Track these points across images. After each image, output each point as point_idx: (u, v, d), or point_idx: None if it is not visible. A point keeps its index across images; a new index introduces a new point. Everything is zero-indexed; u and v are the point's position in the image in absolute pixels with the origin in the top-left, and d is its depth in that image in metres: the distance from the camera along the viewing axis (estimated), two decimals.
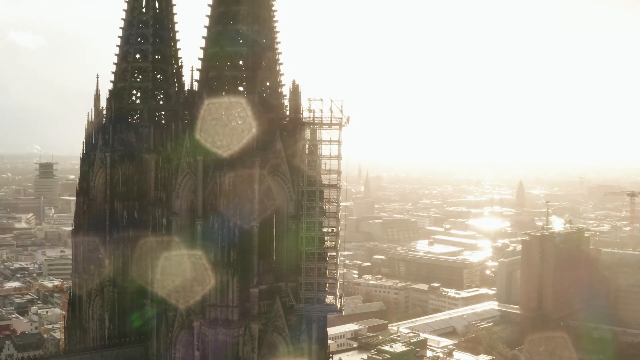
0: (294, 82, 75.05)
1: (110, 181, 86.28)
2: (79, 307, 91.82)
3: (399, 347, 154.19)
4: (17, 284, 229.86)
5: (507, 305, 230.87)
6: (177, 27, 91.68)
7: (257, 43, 74.48)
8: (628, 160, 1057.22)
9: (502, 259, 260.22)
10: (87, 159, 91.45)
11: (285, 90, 76.23)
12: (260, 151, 70.85)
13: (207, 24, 75.22)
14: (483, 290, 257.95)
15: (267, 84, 75.45)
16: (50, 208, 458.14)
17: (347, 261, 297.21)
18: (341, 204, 76.49)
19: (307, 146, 74.95)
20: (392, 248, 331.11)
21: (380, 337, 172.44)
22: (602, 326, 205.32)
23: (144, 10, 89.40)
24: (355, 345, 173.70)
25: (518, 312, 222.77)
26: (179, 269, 72.98)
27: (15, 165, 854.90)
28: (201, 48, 74.94)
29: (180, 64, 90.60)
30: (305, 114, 74.60)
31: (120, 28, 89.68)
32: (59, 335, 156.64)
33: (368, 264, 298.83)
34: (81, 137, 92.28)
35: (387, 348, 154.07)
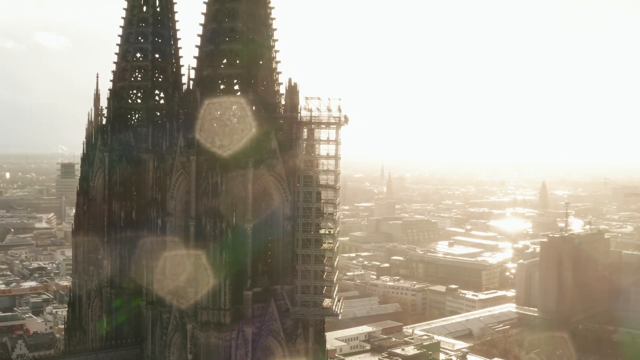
0: (290, 80, 73.73)
1: (108, 181, 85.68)
2: (79, 308, 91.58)
3: (410, 350, 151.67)
4: (33, 283, 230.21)
5: (526, 307, 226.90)
6: (177, 26, 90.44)
7: (253, 41, 73.23)
8: None
9: (521, 261, 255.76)
10: (87, 159, 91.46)
11: (283, 90, 74.98)
12: (255, 151, 69.58)
13: (203, 21, 74.17)
14: (502, 293, 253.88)
15: (264, 82, 74.19)
16: (71, 208, 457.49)
17: (365, 262, 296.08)
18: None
19: (304, 146, 73.50)
20: (411, 249, 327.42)
21: (394, 340, 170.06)
22: (621, 329, 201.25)
23: (144, 8, 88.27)
24: (368, 347, 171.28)
25: (536, 314, 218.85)
26: (173, 271, 72.18)
27: (40, 165, 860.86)
28: (197, 46, 73.82)
29: (180, 63, 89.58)
30: (303, 113, 73.28)
31: (120, 27, 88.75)
32: None
33: (387, 265, 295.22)
34: None
35: (398, 351, 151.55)
